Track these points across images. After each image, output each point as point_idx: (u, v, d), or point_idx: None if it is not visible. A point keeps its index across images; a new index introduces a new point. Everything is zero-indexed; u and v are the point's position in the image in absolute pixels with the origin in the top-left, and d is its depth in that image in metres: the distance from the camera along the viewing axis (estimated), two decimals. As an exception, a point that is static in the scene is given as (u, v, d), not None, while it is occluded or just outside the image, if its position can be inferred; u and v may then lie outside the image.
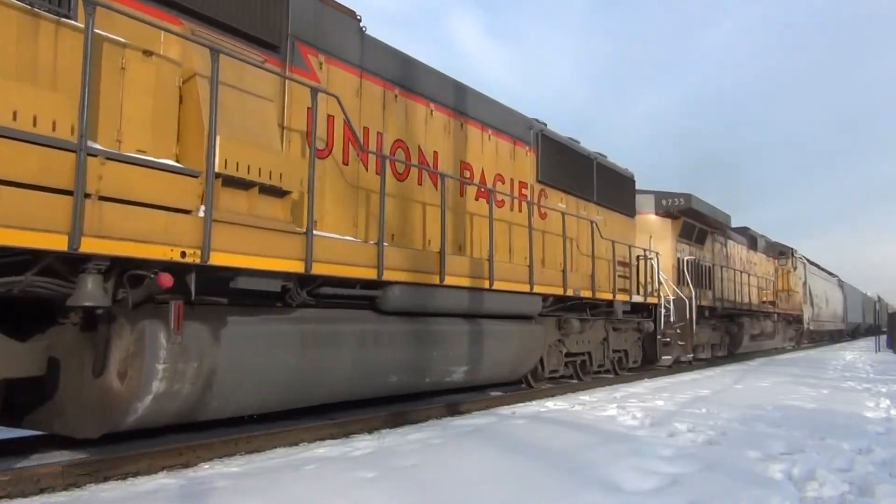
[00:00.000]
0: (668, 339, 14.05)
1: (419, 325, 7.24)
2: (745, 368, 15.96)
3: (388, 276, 6.50)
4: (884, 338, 29.61)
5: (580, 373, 11.29)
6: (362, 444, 5.60)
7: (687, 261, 15.91)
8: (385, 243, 6.53)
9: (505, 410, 7.93)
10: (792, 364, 17.82)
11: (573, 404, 8.23)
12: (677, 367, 15.22)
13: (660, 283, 13.50)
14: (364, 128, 7.02)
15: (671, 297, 14.27)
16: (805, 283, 29.70)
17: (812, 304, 31.36)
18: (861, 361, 19.23)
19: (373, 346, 6.59)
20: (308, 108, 6.01)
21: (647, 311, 13.31)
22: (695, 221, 16.69)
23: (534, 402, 8.66)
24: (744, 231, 22.75)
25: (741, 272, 20.54)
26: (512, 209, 9.28)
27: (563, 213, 9.97)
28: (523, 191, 9.70)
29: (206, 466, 4.95)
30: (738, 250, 21.05)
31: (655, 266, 13.33)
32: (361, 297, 6.63)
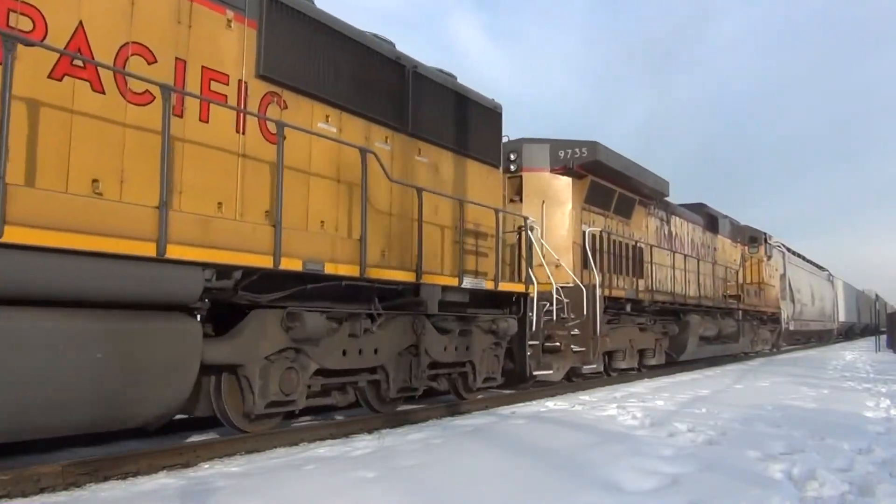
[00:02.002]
0: (559, 344, 10.21)
1: None
2: (745, 368, 15.96)
3: None
4: (884, 338, 29.56)
5: (371, 402, 7.14)
6: (362, 444, 5.60)
7: (596, 236, 11.64)
8: None
9: (505, 410, 7.94)
10: (792, 364, 17.82)
11: (573, 404, 8.24)
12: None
13: (521, 260, 9.33)
14: None
15: (559, 285, 9.98)
16: (784, 276, 25.85)
17: (793, 301, 27.28)
18: (861, 361, 19.24)
19: None
20: None
21: (517, 303, 9.06)
22: (611, 184, 12.40)
23: (534, 402, 8.67)
24: (698, 208, 18.29)
25: (690, 257, 16.23)
26: (183, 115, 5.26)
27: (277, 123, 5.77)
28: (215, 86, 5.58)
29: (207, 466, 4.95)
30: (687, 230, 16.81)
31: (532, 240, 9.37)
32: None
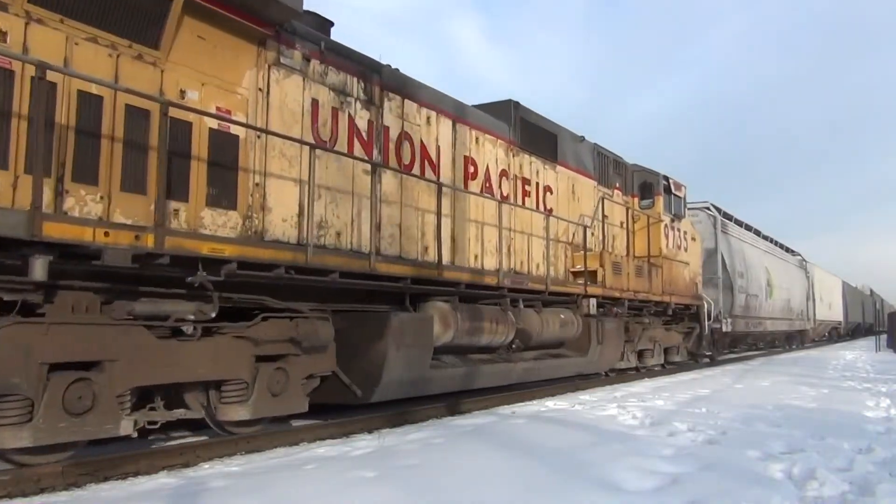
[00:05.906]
0: None
1: None
2: (745, 368, 15.94)
3: None
4: (884, 337, 29.47)
5: None
6: (362, 444, 5.60)
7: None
8: None
9: (505, 410, 7.93)
10: (792, 364, 17.81)
11: (573, 404, 8.23)
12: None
13: None
14: None
15: None
16: (716, 251, 18.58)
17: (733, 290, 19.14)
18: (861, 361, 19.22)
19: None
20: None
21: None
22: None
23: (534, 402, 8.66)
24: (505, 109, 9.78)
25: (426, 181, 7.86)
26: None
27: None
28: None
29: (207, 466, 4.95)
30: (460, 138, 8.67)
31: None
32: None
